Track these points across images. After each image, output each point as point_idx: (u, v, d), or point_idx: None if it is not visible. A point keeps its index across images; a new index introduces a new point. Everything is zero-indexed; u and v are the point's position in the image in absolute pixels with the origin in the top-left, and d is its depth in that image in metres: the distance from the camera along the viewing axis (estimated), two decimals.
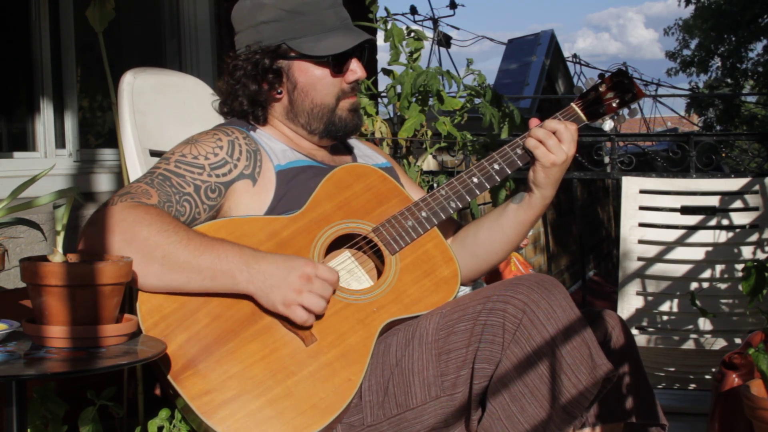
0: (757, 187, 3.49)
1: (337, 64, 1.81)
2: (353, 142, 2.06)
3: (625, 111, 1.92)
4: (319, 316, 1.62)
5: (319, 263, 1.61)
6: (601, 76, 1.91)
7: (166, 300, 1.58)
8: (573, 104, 1.88)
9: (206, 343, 1.56)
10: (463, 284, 1.97)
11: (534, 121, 1.83)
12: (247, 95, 1.83)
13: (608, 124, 1.91)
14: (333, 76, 1.82)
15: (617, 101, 1.89)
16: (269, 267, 1.57)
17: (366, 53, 1.87)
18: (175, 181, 1.68)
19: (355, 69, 1.84)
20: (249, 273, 1.56)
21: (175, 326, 1.56)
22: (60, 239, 1.44)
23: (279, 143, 1.85)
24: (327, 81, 1.82)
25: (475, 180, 1.84)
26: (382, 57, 22.55)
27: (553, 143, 1.79)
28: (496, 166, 1.85)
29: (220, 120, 1.94)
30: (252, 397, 1.54)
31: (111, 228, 1.54)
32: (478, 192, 1.84)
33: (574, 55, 12.62)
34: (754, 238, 3.47)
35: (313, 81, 1.82)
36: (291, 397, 1.55)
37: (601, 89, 1.89)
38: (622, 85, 1.89)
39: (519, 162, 1.85)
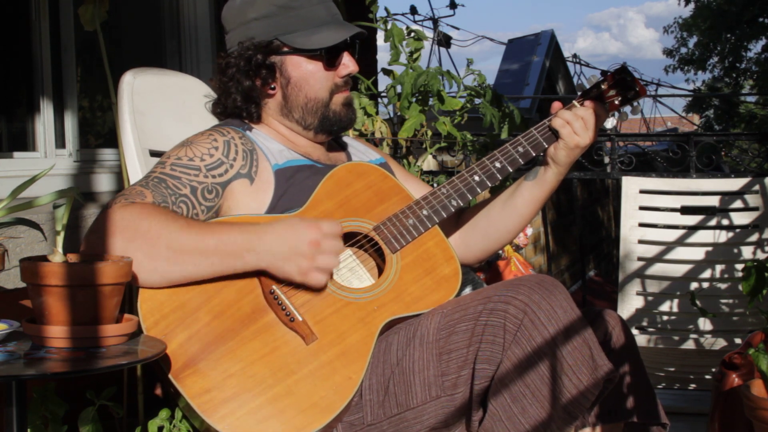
0: (757, 187, 3.49)
1: (329, 58, 1.82)
2: (347, 139, 2.07)
3: (628, 108, 1.92)
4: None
5: (320, 220, 1.62)
6: (603, 73, 1.91)
7: (167, 299, 1.58)
8: (575, 102, 1.88)
9: (207, 342, 1.56)
10: (473, 265, 2.00)
11: (557, 104, 1.88)
12: (240, 92, 1.83)
13: (610, 122, 1.92)
14: (326, 70, 1.83)
15: (620, 99, 1.89)
16: (275, 241, 1.57)
17: (357, 47, 1.88)
18: (170, 183, 1.68)
19: (348, 63, 1.84)
20: (256, 252, 1.57)
21: (176, 325, 1.56)
22: (60, 239, 1.44)
23: (275, 143, 1.85)
24: (320, 75, 1.83)
25: (477, 178, 1.85)
26: (382, 57, 22.55)
27: (580, 126, 1.83)
28: (498, 165, 1.86)
29: (219, 119, 1.94)
30: (252, 396, 1.54)
31: (111, 229, 1.54)
32: (479, 190, 1.85)
33: (575, 55, 12.63)
34: (754, 238, 3.46)
35: (306, 75, 1.82)
36: (291, 395, 1.55)
37: (603, 87, 1.89)
38: (625, 82, 1.89)
39: (521, 160, 1.86)
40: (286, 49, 1.81)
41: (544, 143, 1.86)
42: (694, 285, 3.50)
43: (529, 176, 1.92)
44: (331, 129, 1.87)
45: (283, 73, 1.83)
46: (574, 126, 1.83)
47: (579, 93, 1.91)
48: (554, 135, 1.85)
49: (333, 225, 1.62)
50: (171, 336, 1.55)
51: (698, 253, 3.53)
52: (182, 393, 1.52)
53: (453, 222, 2.01)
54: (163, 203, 1.64)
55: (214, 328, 1.58)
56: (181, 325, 1.57)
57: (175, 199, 1.67)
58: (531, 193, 1.92)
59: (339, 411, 1.56)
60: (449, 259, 1.78)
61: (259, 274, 1.62)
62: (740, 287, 2.27)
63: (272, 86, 1.84)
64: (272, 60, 1.81)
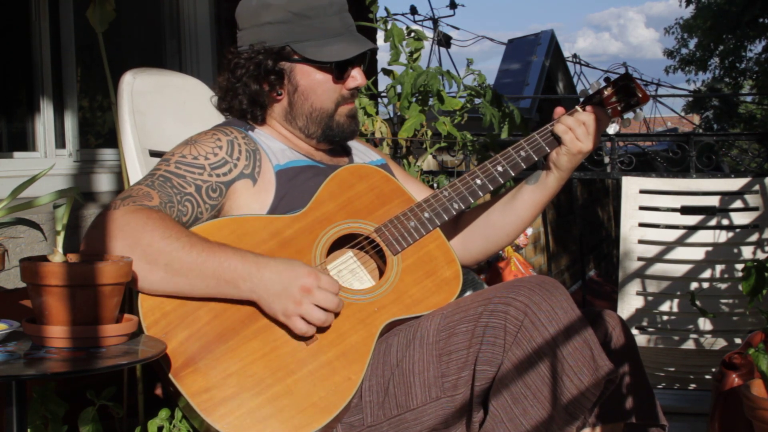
0: (757, 187, 3.49)
1: (339, 71, 1.81)
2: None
3: (630, 115, 1.91)
4: (322, 328, 1.61)
5: (323, 273, 1.60)
6: (606, 79, 1.91)
7: (167, 297, 1.58)
8: (578, 107, 1.88)
9: (207, 341, 1.56)
10: (472, 266, 2.00)
11: (560, 110, 1.87)
12: (247, 94, 1.83)
13: (612, 128, 1.91)
14: (334, 83, 1.82)
15: (622, 105, 1.88)
16: (272, 276, 1.57)
17: (367, 60, 1.88)
18: (176, 182, 1.68)
19: (356, 76, 1.84)
20: (252, 282, 1.56)
21: (176, 324, 1.57)
22: (60, 239, 1.44)
23: (277, 142, 1.85)
24: (328, 86, 1.82)
25: (479, 182, 1.85)
26: (382, 57, 22.55)
27: (582, 132, 1.84)
28: (500, 168, 1.86)
29: (220, 120, 1.94)
30: (252, 395, 1.54)
31: (114, 233, 1.54)
32: (481, 194, 1.85)
33: (575, 55, 12.64)
34: (754, 238, 3.46)
35: (314, 85, 1.82)
36: (290, 395, 1.55)
37: (606, 92, 1.88)
38: (628, 88, 1.88)
39: (523, 164, 1.86)
40: (296, 57, 1.81)
41: (547, 148, 1.86)
42: (694, 285, 3.50)
43: (530, 180, 1.92)
44: (333, 139, 1.87)
45: (291, 80, 1.83)
46: (577, 132, 1.83)
47: (581, 98, 1.91)
48: (557, 140, 1.85)
49: (332, 282, 1.59)
50: (171, 334, 1.55)
51: (698, 253, 3.53)
52: (182, 391, 1.52)
53: (452, 223, 2.01)
54: (169, 203, 1.64)
55: (215, 327, 1.58)
56: (182, 324, 1.57)
57: (180, 198, 1.67)
58: (532, 197, 1.92)
59: (338, 411, 1.56)
60: (450, 261, 1.78)
61: None
62: (740, 287, 2.27)
63: (279, 92, 1.84)
64: (281, 66, 1.81)
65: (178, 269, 1.54)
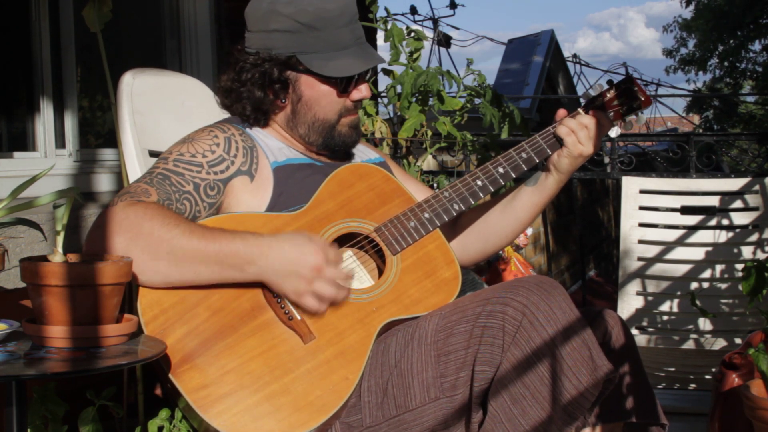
0: (757, 187, 3.49)
1: (344, 84, 1.81)
2: None
3: (632, 118, 1.91)
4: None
5: (327, 246, 1.60)
6: (609, 82, 1.91)
7: (165, 294, 1.58)
8: (580, 110, 1.88)
9: (205, 338, 1.56)
10: (470, 267, 2.00)
11: (562, 112, 1.88)
12: (251, 101, 1.82)
13: (614, 131, 1.91)
14: (339, 96, 1.82)
15: (624, 108, 1.89)
16: (278, 258, 1.57)
17: (373, 72, 1.87)
18: (174, 179, 1.69)
19: (362, 89, 1.84)
20: (257, 266, 1.56)
21: (175, 320, 1.57)
22: (60, 239, 1.44)
23: (275, 140, 1.85)
24: (332, 98, 1.82)
25: (479, 183, 1.85)
26: (382, 57, 22.54)
27: (584, 135, 1.84)
28: (501, 170, 1.86)
29: (219, 119, 1.94)
30: (249, 393, 1.54)
31: (114, 228, 1.54)
32: (481, 195, 1.85)
33: (575, 55, 12.65)
34: (754, 238, 3.47)
35: (318, 97, 1.82)
36: (288, 393, 1.55)
37: (608, 96, 1.88)
38: (630, 92, 1.88)
39: (524, 166, 1.87)
40: (302, 67, 1.80)
41: (548, 150, 1.87)
42: (694, 285, 3.50)
43: (529, 182, 1.92)
44: (333, 148, 1.87)
45: (295, 90, 1.82)
46: (579, 135, 1.83)
47: (583, 101, 1.91)
48: (558, 142, 1.86)
49: (338, 254, 1.61)
50: (169, 331, 1.55)
51: (698, 253, 3.53)
52: (179, 388, 1.52)
53: (451, 224, 2.01)
54: (167, 201, 1.64)
55: (213, 324, 1.58)
56: (180, 321, 1.57)
57: (179, 196, 1.67)
58: (530, 199, 1.92)
59: (335, 411, 1.56)
60: (450, 262, 1.78)
61: None
62: (740, 287, 2.27)
63: (283, 99, 1.83)
64: (287, 75, 1.80)
65: (180, 256, 1.54)
